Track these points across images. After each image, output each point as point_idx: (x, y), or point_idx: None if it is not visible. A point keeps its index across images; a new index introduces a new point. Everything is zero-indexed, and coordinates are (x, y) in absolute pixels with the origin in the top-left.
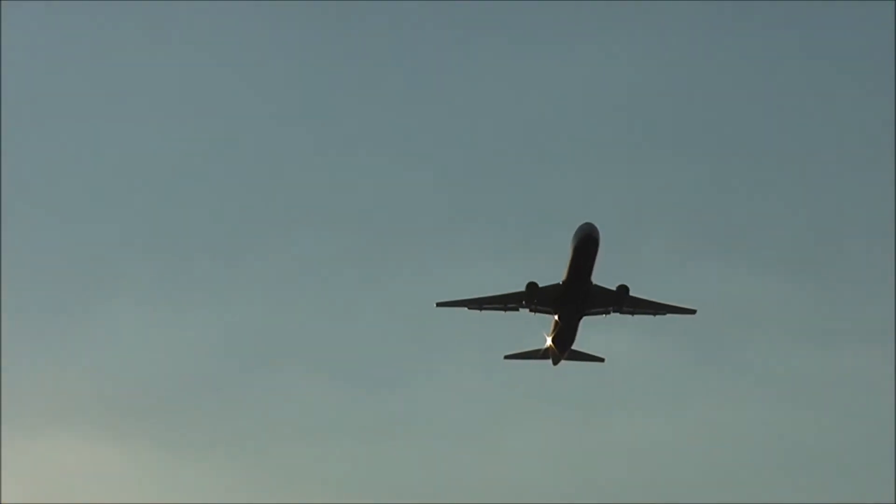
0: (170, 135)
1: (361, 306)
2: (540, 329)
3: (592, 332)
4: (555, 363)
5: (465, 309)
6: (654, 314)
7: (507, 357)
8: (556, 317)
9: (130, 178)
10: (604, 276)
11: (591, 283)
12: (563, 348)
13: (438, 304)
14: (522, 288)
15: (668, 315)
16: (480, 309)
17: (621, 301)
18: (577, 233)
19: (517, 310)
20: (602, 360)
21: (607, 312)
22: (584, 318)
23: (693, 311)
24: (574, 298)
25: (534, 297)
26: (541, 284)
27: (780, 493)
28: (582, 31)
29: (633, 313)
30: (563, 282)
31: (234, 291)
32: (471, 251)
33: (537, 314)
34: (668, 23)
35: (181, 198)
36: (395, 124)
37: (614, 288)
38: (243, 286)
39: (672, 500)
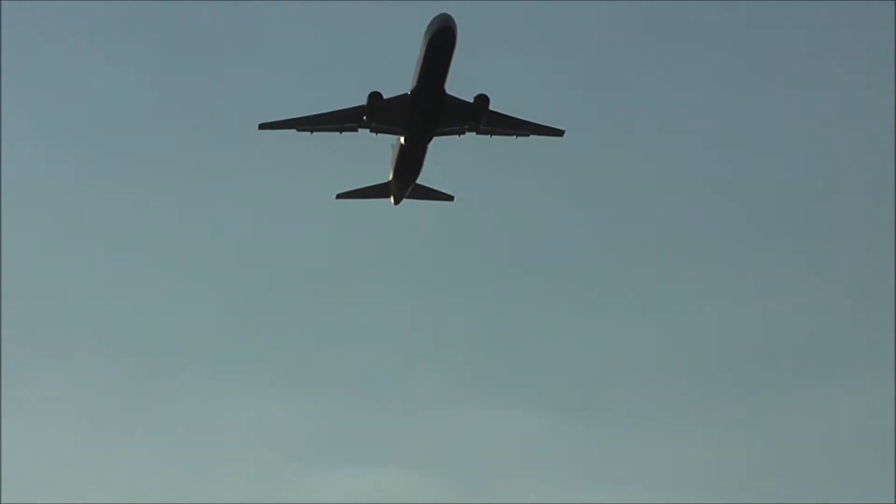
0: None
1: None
2: (381, 156)
3: (442, 163)
4: (396, 202)
5: (294, 131)
6: (517, 136)
7: (339, 196)
8: (402, 139)
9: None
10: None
11: (446, 92)
12: (406, 181)
13: (261, 127)
14: (363, 102)
15: (532, 138)
16: (311, 131)
17: (479, 115)
18: (430, 25)
19: (356, 130)
20: (451, 198)
21: (462, 132)
22: (435, 140)
23: (561, 133)
24: (425, 111)
25: (377, 111)
26: (385, 96)
27: None
28: None
29: (491, 133)
30: (413, 90)
31: None
32: None
33: (380, 135)
34: None
35: None
36: None
37: (471, 99)
38: None
39: None
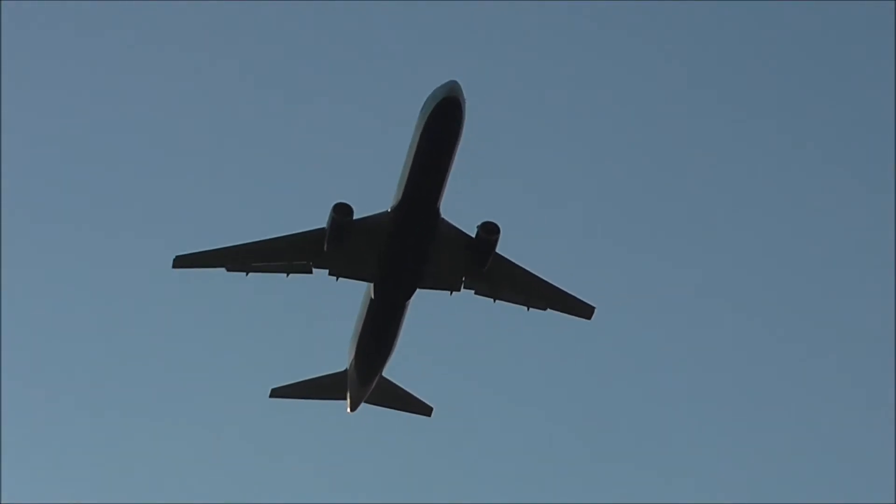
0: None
1: None
2: (343, 319)
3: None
4: (352, 405)
5: (221, 271)
6: (528, 307)
7: (275, 393)
8: (371, 293)
9: None
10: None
11: (440, 214)
12: (370, 367)
13: (178, 262)
14: (322, 223)
15: (551, 312)
16: (247, 270)
17: (484, 255)
18: (427, 102)
19: (310, 270)
20: (429, 410)
21: (456, 285)
22: (414, 302)
23: (590, 312)
24: (410, 238)
25: (344, 234)
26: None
27: None
28: None
29: (495, 296)
30: (394, 207)
31: None
32: None
33: (342, 280)
34: None
35: None
36: None
37: (474, 233)
38: None
39: None
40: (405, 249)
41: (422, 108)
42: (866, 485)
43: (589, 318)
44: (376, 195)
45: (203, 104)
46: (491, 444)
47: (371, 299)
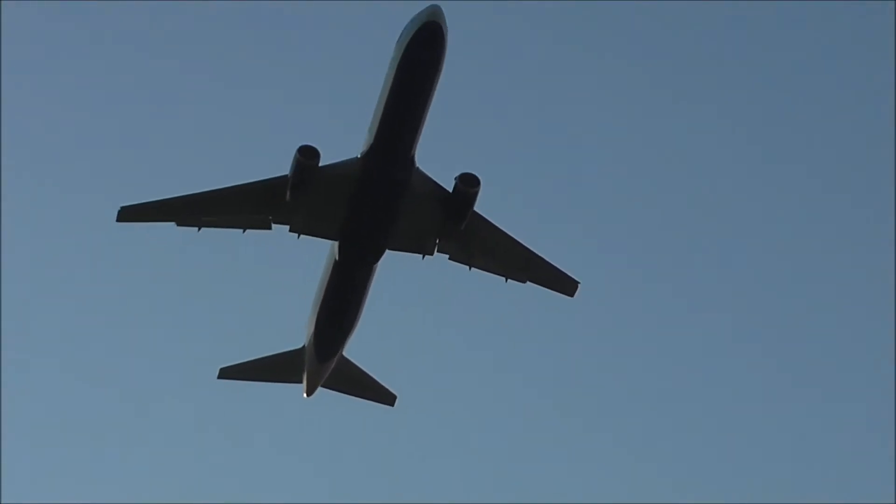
0: None
1: None
2: (305, 280)
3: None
4: (309, 389)
5: (171, 225)
6: (507, 277)
7: (224, 373)
8: (336, 252)
9: None
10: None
11: (415, 163)
12: (331, 342)
13: (122, 214)
14: (283, 172)
15: (531, 285)
16: (199, 225)
17: (460, 217)
18: (404, 31)
19: (268, 225)
20: (392, 399)
21: (429, 247)
22: (382, 266)
23: (575, 286)
24: (380, 189)
25: (309, 182)
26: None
27: None
28: None
29: (470, 262)
30: (364, 153)
31: None
32: None
33: (304, 242)
34: None
35: None
36: None
37: (451, 187)
38: None
39: None
40: (375, 200)
41: (398, 39)
42: (866, 485)
43: (572, 294)
44: (346, 143)
45: (158, 39)
46: (460, 434)
47: (335, 260)
